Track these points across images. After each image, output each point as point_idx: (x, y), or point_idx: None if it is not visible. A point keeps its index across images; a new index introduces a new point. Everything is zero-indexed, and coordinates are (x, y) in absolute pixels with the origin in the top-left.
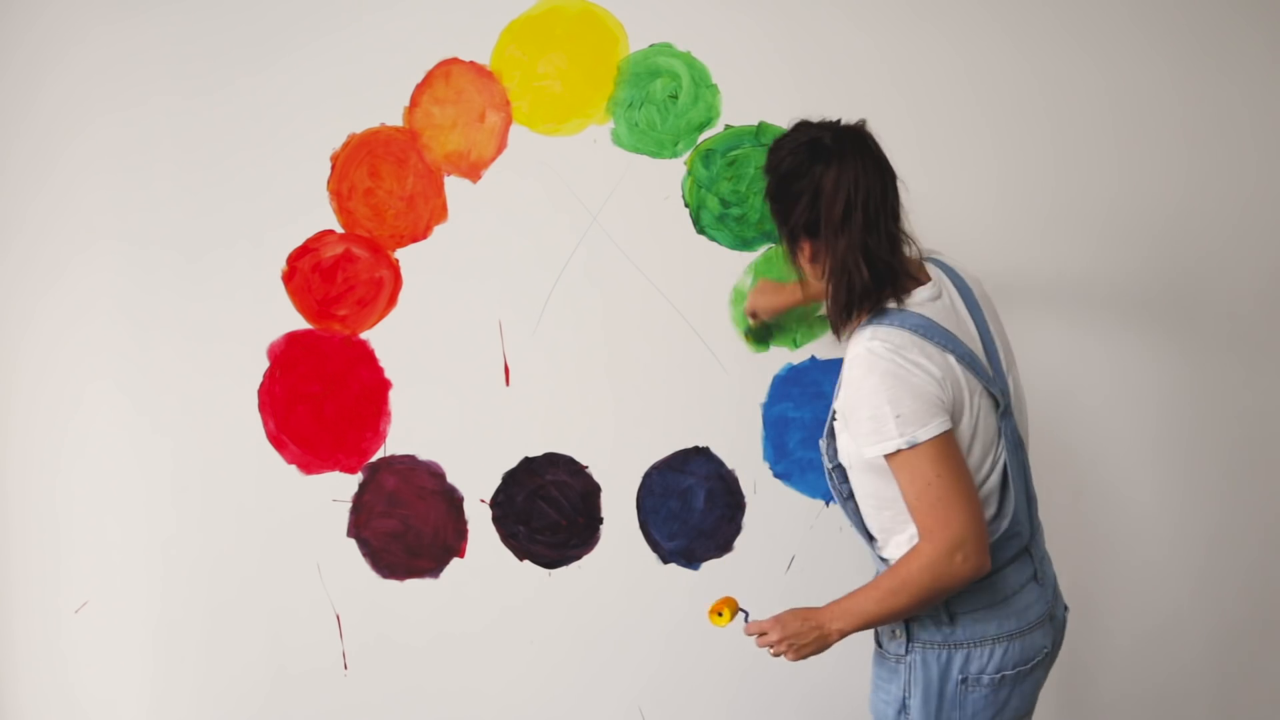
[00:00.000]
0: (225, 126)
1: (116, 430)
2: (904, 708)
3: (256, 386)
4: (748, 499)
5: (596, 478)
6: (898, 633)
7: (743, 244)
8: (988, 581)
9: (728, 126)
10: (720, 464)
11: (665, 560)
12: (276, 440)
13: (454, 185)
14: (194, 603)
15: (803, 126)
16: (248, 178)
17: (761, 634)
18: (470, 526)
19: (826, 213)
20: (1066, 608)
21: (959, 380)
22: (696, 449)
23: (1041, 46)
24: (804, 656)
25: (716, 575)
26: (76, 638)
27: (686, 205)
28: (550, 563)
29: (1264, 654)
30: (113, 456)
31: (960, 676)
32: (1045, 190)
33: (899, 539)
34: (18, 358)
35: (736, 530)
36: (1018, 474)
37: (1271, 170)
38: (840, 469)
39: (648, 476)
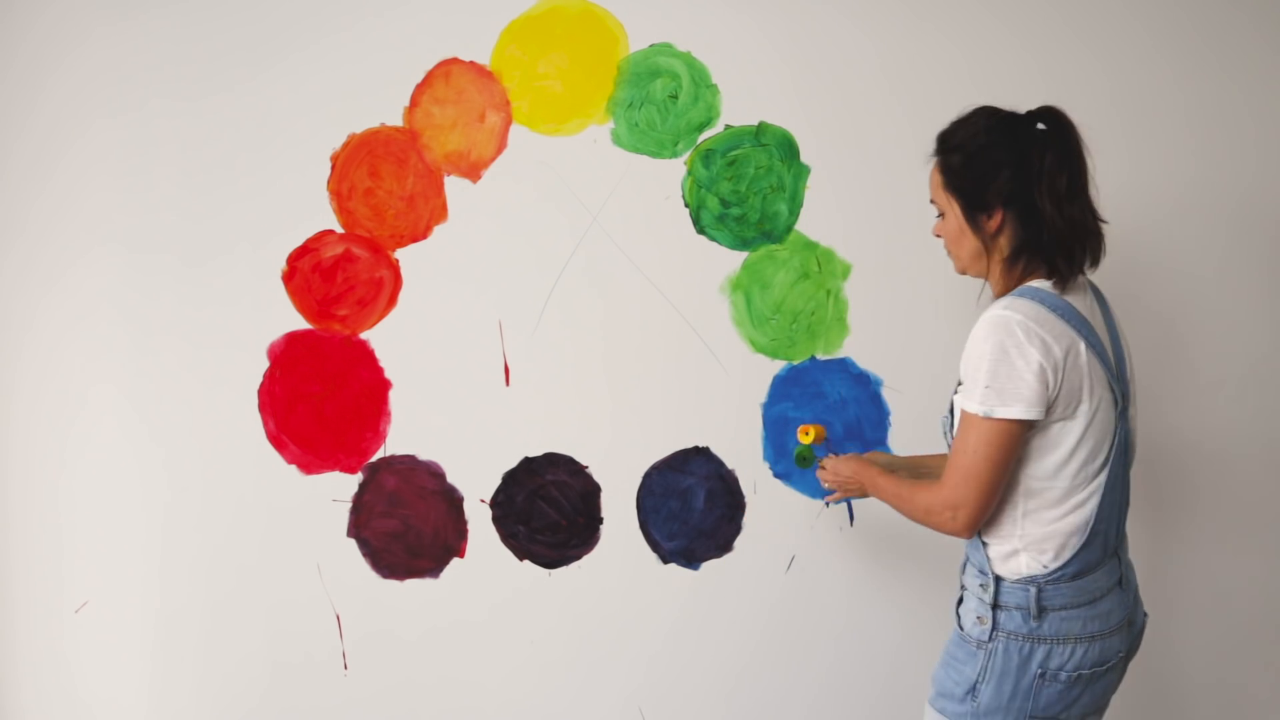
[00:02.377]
0: (226, 128)
1: (117, 431)
2: (974, 691)
3: (257, 387)
4: (748, 499)
5: (596, 478)
6: (983, 619)
7: (742, 244)
8: (1079, 583)
9: (728, 126)
10: (720, 464)
11: (665, 560)
12: (276, 440)
13: (454, 185)
14: (194, 602)
15: (980, 112)
16: (248, 178)
17: (823, 467)
18: (470, 526)
19: (1047, 185)
20: (1146, 614)
21: (1082, 367)
22: (696, 449)
23: (1041, 46)
24: (850, 495)
25: (716, 575)
26: (77, 637)
27: (686, 205)
28: (550, 562)
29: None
30: (113, 457)
31: (1039, 670)
32: None
33: (1000, 533)
34: (19, 359)
35: (736, 530)
36: (1120, 476)
37: (1273, 168)
38: None
39: (648, 476)
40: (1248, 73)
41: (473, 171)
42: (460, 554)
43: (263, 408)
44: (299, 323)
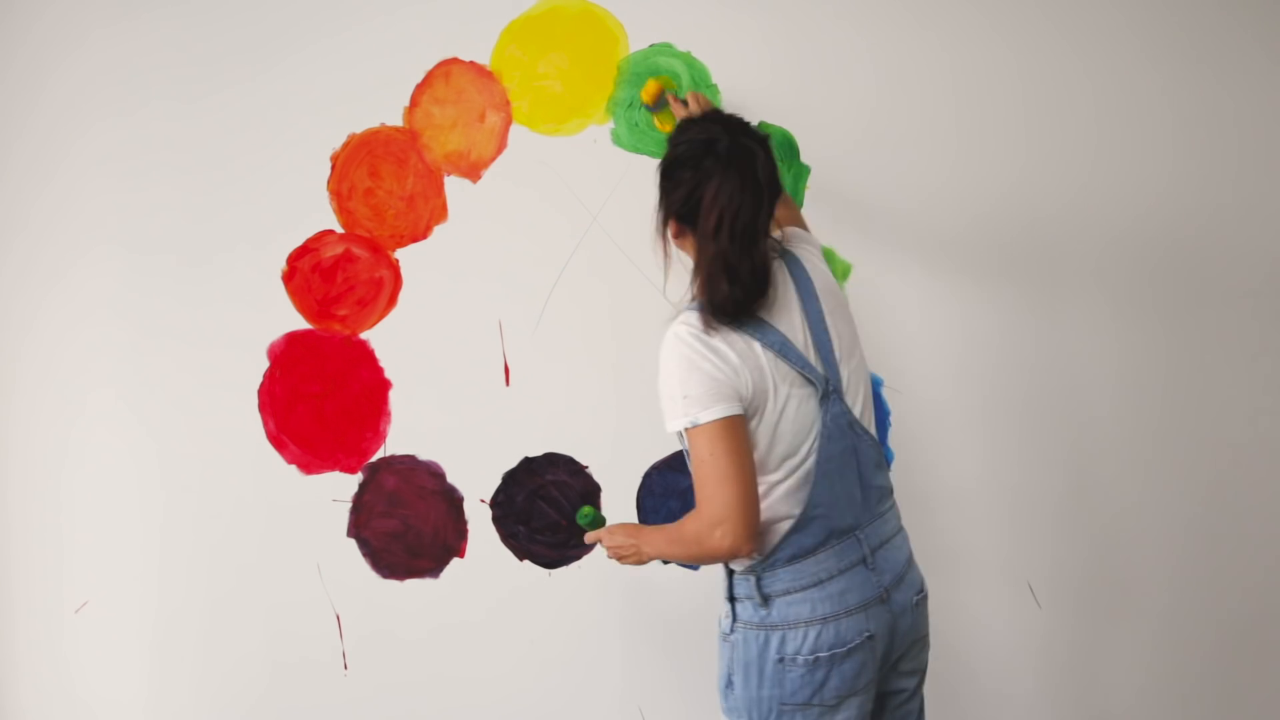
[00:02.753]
0: (226, 128)
1: (117, 431)
2: (730, 684)
3: (257, 387)
4: None
5: (596, 478)
6: (727, 612)
7: None
8: (796, 567)
9: None
10: None
11: (665, 560)
12: (276, 440)
13: (454, 185)
14: (194, 602)
15: (712, 118)
16: (249, 179)
17: (598, 540)
18: (470, 526)
19: (702, 219)
20: (922, 593)
21: (763, 367)
22: None
23: (1038, 50)
24: (625, 564)
25: (716, 575)
26: (77, 637)
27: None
28: (550, 563)
29: (1266, 653)
30: (113, 457)
31: (777, 656)
32: (1041, 191)
33: None
34: (20, 359)
35: None
36: (837, 460)
37: (1265, 173)
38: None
39: (648, 476)
40: (1241, 78)
41: (473, 171)
42: (460, 554)
43: (263, 408)
44: (299, 323)
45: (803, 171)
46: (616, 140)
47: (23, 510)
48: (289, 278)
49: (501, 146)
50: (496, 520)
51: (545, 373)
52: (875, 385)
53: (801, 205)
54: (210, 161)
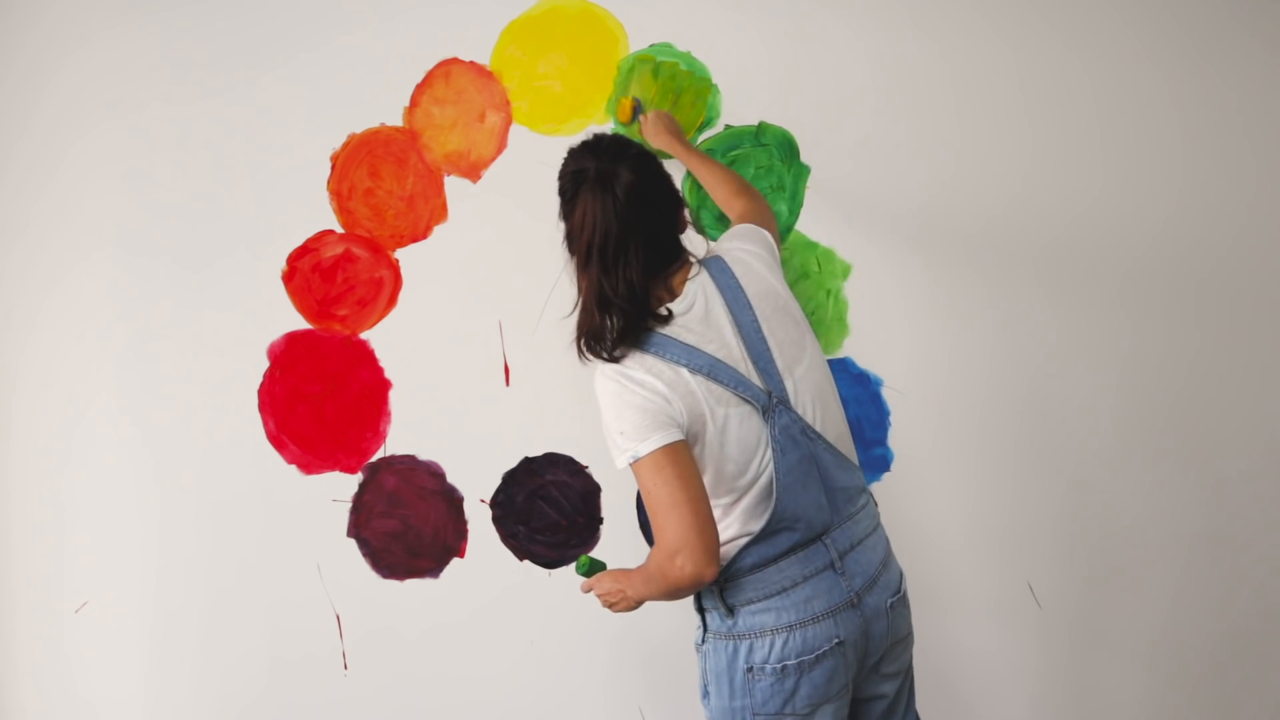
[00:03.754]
0: (226, 129)
1: (117, 431)
2: (707, 694)
3: (256, 387)
4: None
5: (596, 478)
6: (698, 624)
7: None
8: (759, 575)
9: (728, 126)
10: None
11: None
12: (276, 440)
13: (454, 185)
14: (194, 602)
15: (587, 147)
16: (249, 180)
17: (590, 590)
18: (470, 526)
19: (574, 249)
20: (899, 593)
21: (694, 392)
22: None
23: (1039, 50)
24: (620, 611)
25: None
26: (78, 638)
27: (686, 205)
28: (550, 563)
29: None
30: (114, 458)
31: (745, 666)
32: (1040, 191)
33: None
34: (21, 360)
35: None
36: (796, 470)
37: (1268, 173)
38: None
39: None
40: (1242, 77)
41: (473, 171)
42: (460, 554)
43: (263, 408)
44: (299, 323)
45: (802, 171)
46: None
47: (24, 511)
48: (289, 278)
49: (501, 146)
50: (496, 520)
51: (545, 373)
52: (875, 385)
53: (801, 205)
54: (212, 162)
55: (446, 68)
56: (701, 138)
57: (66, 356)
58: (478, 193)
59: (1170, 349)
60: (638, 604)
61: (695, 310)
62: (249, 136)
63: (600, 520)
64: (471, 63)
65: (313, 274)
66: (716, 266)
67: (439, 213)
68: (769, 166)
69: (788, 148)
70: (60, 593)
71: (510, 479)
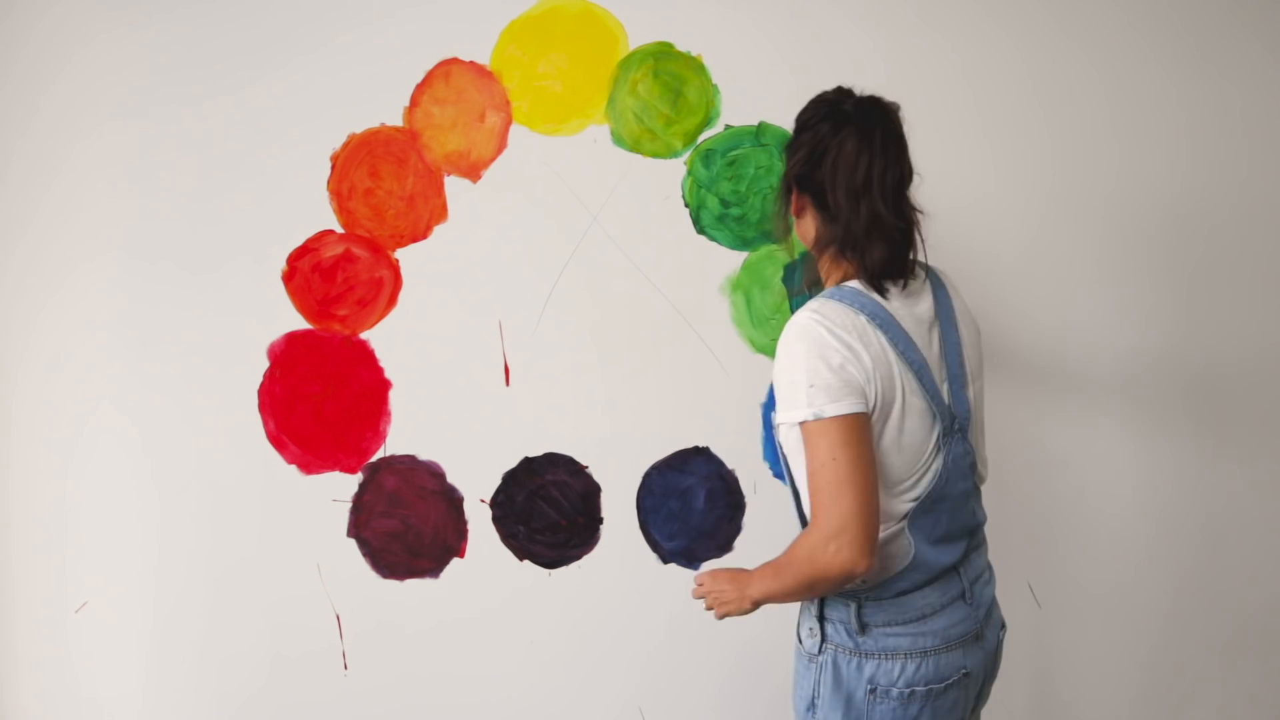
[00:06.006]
0: (227, 130)
1: (117, 431)
2: (814, 706)
3: (256, 386)
4: (748, 499)
5: (596, 478)
6: (814, 631)
7: (743, 244)
8: (902, 600)
9: (728, 126)
10: (720, 464)
11: (665, 560)
12: (276, 440)
13: (454, 185)
14: (194, 603)
15: (837, 91)
16: (250, 180)
17: (699, 584)
18: (470, 526)
19: (842, 176)
20: (1004, 627)
21: (894, 377)
22: (696, 449)
23: (1041, 47)
24: (726, 615)
25: None
26: (78, 638)
27: (686, 205)
28: (550, 563)
29: (1257, 656)
30: (114, 458)
31: (869, 686)
32: (1043, 190)
33: None
34: (22, 361)
35: (736, 530)
36: (953, 500)
37: (1270, 171)
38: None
39: (648, 476)
40: (1246, 75)
41: (473, 171)
42: (460, 554)
43: (263, 408)
44: (299, 323)
45: None
46: (616, 140)
47: (25, 511)
48: (289, 278)
49: (501, 146)
50: (496, 520)
51: (545, 373)
52: None
53: None
54: (212, 163)
55: (446, 68)
56: (702, 138)
57: (68, 358)
58: (478, 193)
59: (1170, 349)
60: (755, 605)
61: (915, 300)
62: (249, 137)
63: (600, 520)
64: (471, 63)
65: (313, 274)
66: (935, 278)
67: (439, 213)
68: (769, 166)
69: None
70: (61, 593)
71: (510, 479)
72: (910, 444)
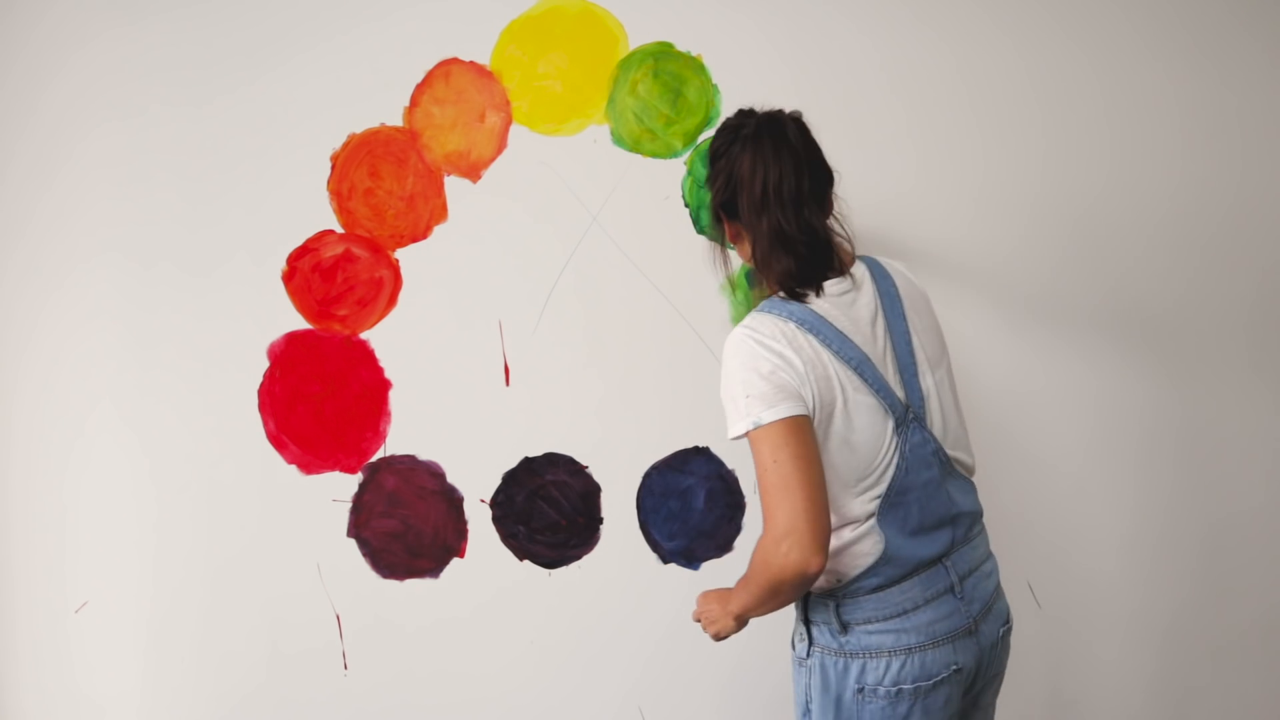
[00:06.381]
0: (227, 130)
1: (117, 431)
2: (808, 710)
3: (256, 386)
4: (748, 499)
5: (596, 478)
6: (802, 635)
7: None
8: (880, 595)
9: None
10: (720, 464)
11: (665, 560)
12: (276, 440)
13: (454, 185)
14: (193, 603)
15: (740, 113)
16: (250, 180)
17: (696, 606)
18: (470, 526)
19: (745, 195)
20: (1008, 624)
21: (830, 378)
22: (696, 449)
23: (1040, 48)
24: (718, 634)
25: (716, 575)
26: (78, 638)
27: (686, 205)
28: (550, 563)
29: (1258, 657)
30: (113, 458)
31: (857, 686)
32: (1040, 191)
33: None
34: (22, 361)
35: (736, 530)
36: (918, 491)
37: (1266, 174)
38: None
39: (648, 476)
40: (1244, 77)
41: (473, 171)
42: (460, 554)
43: (263, 408)
44: (299, 323)
45: None
46: (616, 140)
47: (24, 511)
48: (289, 278)
49: (501, 146)
50: (496, 520)
51: (545, 373)
52: None
53: None
54: (212, 164)
55: (446, 68)
56: (702, 137)
57: (67, 358)
58: (478, 193)
59: (1170, 348)
60: (740, 621)
61: (850, 297)
62: (249, 137)
63: (600, 520)
64: (471, 63)
65: (313, 274)
66: (878, 269)
67: (439, 213)
68: None
69: None
70: (61, 593)
71: (510, 479)
72: (862, 441)
